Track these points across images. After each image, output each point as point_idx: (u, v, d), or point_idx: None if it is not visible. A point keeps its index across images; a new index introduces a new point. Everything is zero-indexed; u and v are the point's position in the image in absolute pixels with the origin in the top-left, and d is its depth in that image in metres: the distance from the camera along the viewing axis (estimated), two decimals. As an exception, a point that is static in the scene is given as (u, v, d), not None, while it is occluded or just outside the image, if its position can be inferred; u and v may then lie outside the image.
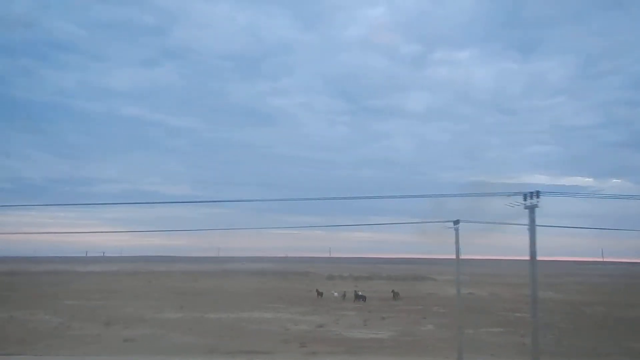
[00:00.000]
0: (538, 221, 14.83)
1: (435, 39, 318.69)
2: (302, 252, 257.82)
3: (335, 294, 50.80)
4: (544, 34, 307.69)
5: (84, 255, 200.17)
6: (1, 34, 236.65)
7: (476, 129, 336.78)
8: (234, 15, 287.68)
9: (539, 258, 15.61)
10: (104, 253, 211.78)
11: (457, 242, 18.59)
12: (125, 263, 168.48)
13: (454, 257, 22.22)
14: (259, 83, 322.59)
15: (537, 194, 14.12)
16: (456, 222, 18.90)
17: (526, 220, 14.79)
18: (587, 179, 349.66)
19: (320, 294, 51.63)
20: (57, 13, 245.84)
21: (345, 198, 30.86)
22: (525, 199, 14.44)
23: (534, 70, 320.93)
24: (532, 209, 14.34)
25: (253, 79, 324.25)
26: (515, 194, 14.68)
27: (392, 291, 53.27)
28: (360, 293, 50.90)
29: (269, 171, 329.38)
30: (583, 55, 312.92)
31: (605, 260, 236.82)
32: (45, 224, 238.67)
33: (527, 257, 15.43)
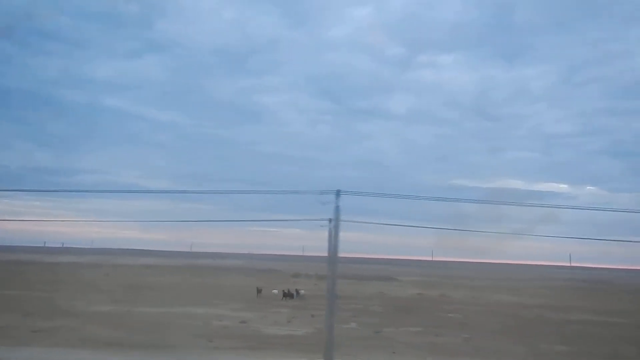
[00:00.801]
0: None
1: (421, 42, 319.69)
2: (291, 250, 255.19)
3: (275, 291, 50.93)
4: (529, 41, 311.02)
5: (42, 245, 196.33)
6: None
7: (458, 133, 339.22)
8: (220, 10, 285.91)
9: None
10: (62, 244, 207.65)
11: (330, 240, 18.83)
12: (90, 255, 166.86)
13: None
14: (244, 79, 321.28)
15: (338, 193, 14.52)
16: (331, 220, 19.15)
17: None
18: (562, 185, 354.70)
19: (259, 291, 51.58)
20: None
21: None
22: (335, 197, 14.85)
23: (518, 77, 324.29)
24: (336, 208, 14.79)
25: (238, 75, 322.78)
26: (321, 192, 15.06)
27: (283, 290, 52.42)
28: (289, 291, 51.35)
29: (253, 168, 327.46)
30: (566, 63, 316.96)
31: (582, 265, 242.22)
32: (20, 212, 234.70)
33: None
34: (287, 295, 49.87)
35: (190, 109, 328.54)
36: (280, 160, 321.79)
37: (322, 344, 28.93)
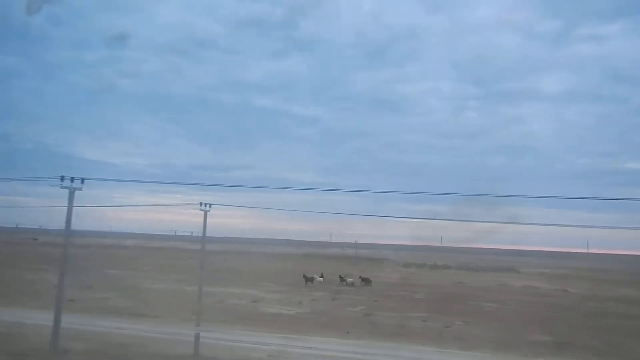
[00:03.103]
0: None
1: (579, 13, 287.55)
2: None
3: (320, 279, 52.28)
4: None
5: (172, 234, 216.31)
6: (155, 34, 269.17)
7: (628, 111, 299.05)
8: (359, 2, 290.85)
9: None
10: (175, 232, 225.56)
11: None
12: (235, 243, 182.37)
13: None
14: (384, 70, 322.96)
15: (82, 180, 16.30)
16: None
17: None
18: None
19: (310, 279, 51.62)
20: (197, 12, 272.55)
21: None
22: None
23: None
24: (71, 191, 16.63)
25: (378, 66, 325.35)
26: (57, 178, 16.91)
27: (360, 277, 53.33)
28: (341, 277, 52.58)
29: (394, 159, 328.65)
30: None
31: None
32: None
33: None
34: (308, 280, 51.03)
35: (332, 103, 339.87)
36: (424, 150, 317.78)
37: (311, 321, 30.79)
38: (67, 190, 19.13)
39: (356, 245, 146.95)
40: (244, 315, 32.60)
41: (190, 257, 76.45)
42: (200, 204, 21.53)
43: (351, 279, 52.43)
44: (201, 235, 23.36)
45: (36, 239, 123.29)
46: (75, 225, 21.43)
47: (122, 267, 63.21)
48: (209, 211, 21.89)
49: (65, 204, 19.29)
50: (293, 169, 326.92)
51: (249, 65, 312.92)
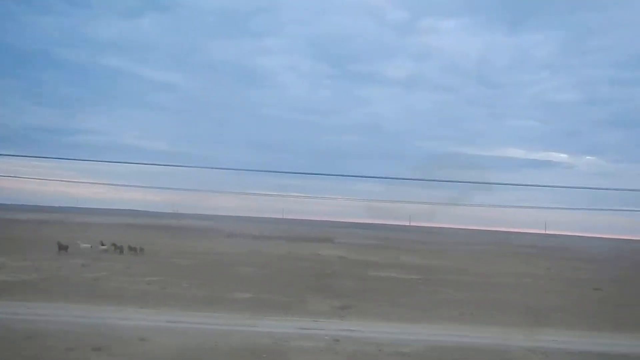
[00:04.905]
0: None
1: (424, 6, 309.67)
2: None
3: (85, 245, 49.83)
4: (533, 7, 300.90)
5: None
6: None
7: (459, 100, 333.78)
8: None
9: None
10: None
11: None
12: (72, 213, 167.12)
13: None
14: (245, 41, 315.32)
15: None
16: None
17: None
18: (561, 155, 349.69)
19: (64, 247, 47.89)
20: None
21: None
22: None
23: (520, 43, 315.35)
24: None
25: (239, 36, 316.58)
26: None
27: (113, 244, 51.72)
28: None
29: (254, 131, 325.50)
30: (570, 31, 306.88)
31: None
32: (19, 172, 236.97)
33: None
34: (62, 247, 47.98)
35: (191, 71, 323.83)
36: (282, 124, 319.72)
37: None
38: None
39: (190, 216, 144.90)
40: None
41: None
42: None
43: (104, 246, 50.86)
44: None
45: None
46: None
47: None
48: None
49: None
50: (143, 136, 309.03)
51: (99, 21, 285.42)
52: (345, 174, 69.91)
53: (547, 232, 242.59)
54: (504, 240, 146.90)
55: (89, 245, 50.16)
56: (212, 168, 37.68)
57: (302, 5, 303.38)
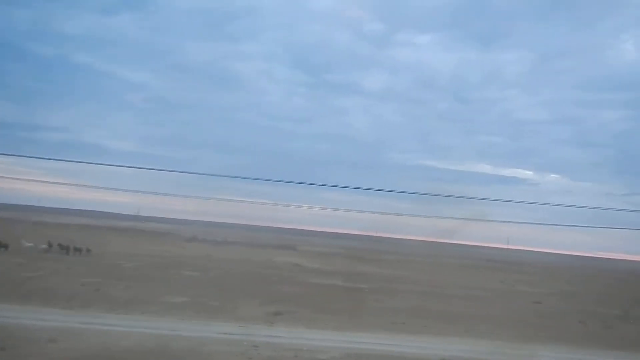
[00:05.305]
0: None
1: (400, 20, 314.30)
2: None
3: (29, 244, 48.33)
4: (506, 26, 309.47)
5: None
6: None
7: (431, 114, 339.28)
8: None
9: None
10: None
11: None
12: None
13: None
14: (221, 44, 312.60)
15: None
16: None
17: None
18: (527, 172, 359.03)
19: (3, 245, 46.54)
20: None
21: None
22: None
23: (492, 61, 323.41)
24: None
25: (215, 39, 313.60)
26: None
27: (59, 244, 50.26)
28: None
29: (226, 135, 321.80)
30: (540, 52, 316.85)
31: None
32: None
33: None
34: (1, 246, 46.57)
35: (164, 71, 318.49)
36: (255, 130, 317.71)
37: None
38: None
39: (155, 219, 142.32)
40: None
41: None
42: None
43: (31, 244, 49.12)
44: None
45: None
46: None
47: None
48: None
49: None
50: (112, 136, 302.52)
51: (70, 15, 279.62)
52: (316, 183, 70.06)
53: (509, 246, 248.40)
54: (467, 254, 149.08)
55: (32, 244, 48.57)
56: (178, 172, 37.22)
57: (280, 12, 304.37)
